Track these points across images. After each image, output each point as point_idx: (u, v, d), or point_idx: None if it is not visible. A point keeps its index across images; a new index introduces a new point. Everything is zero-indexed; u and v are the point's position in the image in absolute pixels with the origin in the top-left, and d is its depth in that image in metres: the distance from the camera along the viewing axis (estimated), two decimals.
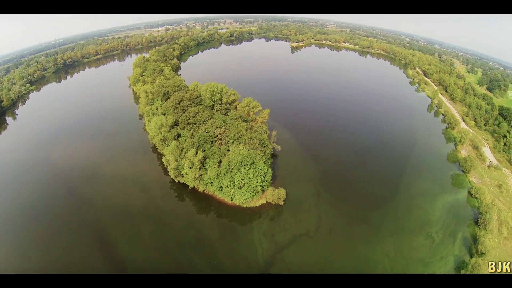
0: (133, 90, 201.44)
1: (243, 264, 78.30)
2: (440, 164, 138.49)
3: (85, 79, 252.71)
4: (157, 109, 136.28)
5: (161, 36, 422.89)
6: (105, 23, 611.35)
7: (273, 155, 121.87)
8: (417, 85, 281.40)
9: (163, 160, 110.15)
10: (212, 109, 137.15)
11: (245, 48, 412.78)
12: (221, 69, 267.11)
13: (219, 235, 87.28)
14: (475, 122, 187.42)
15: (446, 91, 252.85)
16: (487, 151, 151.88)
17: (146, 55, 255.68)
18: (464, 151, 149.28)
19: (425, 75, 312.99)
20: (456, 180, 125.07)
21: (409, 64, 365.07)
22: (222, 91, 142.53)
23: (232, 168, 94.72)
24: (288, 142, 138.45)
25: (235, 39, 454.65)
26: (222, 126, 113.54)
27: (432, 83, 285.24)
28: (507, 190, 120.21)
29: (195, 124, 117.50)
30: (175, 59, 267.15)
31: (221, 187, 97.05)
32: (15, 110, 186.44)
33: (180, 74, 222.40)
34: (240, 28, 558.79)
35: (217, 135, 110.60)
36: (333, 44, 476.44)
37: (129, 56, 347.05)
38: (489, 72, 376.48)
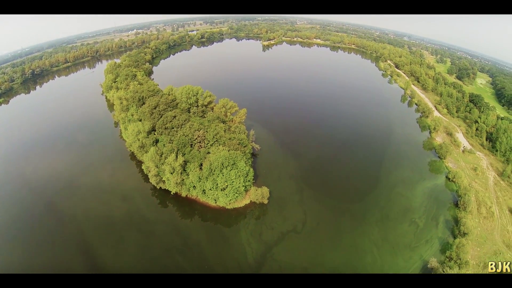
0: (106, 97, 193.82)
1: (233, 265, 76.90)
2: (417, 152, 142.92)
3: (55, 88, 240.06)
4: (132, 115, 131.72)
5: (131, 41, 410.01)
6: (73, 29, 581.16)
7: (253, 155, 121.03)
8: (389, 77, 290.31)
9: (142, 167, 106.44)
10: (189, 112, 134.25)
11: (216, 49, 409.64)
12: (195, 71, 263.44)
13: (207, 239, 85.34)
14: (448, 109, 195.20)
15: (418, 81, 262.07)
16: (460, 137, 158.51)
17: (118, 60, 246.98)
18: (439, 138, 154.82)
19: (397, 67, 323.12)
20: (434, 166, 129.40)
21: (380, 57, 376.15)
22: (197, 93, 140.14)
23: (214, 170, 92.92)
24: (267, 141, 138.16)
25: (206, 40, 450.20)
26: (201, 129, 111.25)
27: (404, 75, 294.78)
28: (482, 172, 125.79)
29: (173, 128, 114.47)
30: (147, 64, 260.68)
31: (204, 190, 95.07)
32: None
33: (153, 79, 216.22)
34: (211, 29, 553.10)
35: (196, 138, 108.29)
36: (304, 40, 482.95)
37: (99, 62, 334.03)
38: (457, 62, 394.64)
